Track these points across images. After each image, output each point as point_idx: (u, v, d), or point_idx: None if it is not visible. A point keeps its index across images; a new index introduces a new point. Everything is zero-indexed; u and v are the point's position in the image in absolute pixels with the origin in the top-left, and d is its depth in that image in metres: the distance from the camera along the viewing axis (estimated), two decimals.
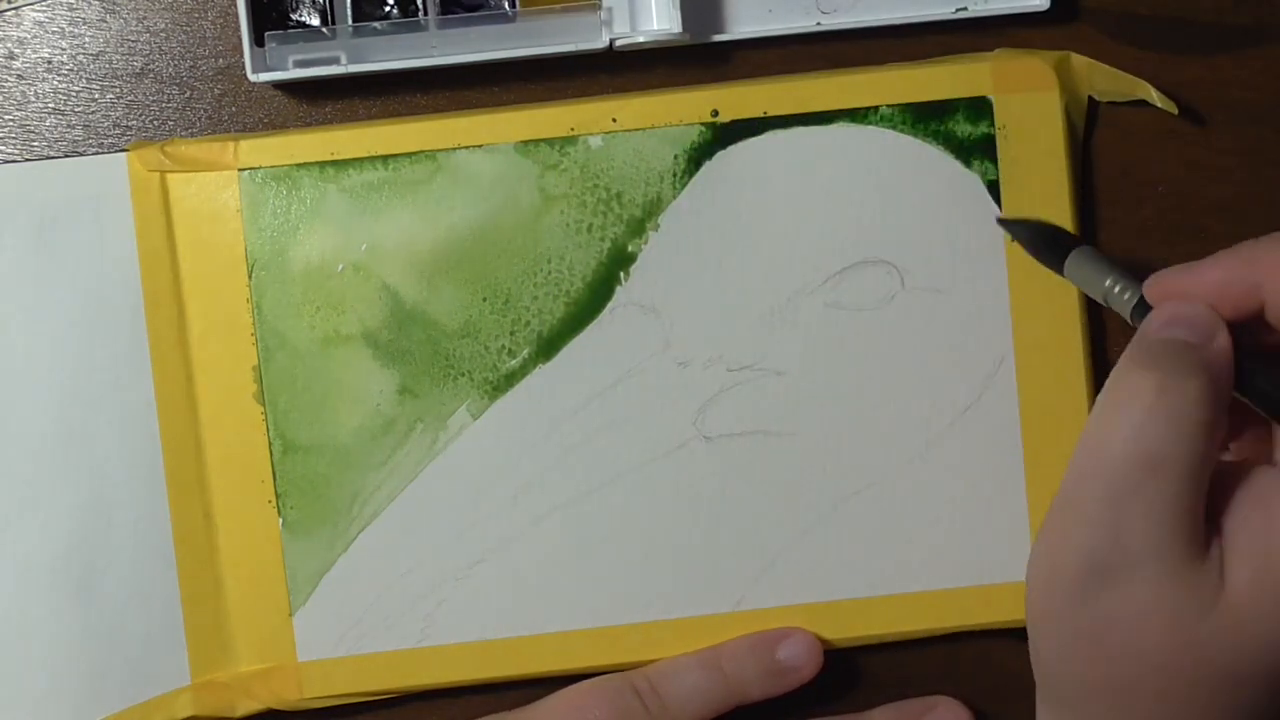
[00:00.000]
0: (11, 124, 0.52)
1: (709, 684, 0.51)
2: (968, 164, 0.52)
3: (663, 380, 0.52)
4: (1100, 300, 0.46)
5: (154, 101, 0.53)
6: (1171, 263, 0.53)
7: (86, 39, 0.53)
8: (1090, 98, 0.53)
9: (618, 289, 0.52)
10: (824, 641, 0.52)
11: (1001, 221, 0.51)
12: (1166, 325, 0.42)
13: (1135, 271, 0.45)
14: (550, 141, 0.52)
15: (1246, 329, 0.42)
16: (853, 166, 0.52)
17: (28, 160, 0.52)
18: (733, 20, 0.52)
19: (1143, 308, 0.44)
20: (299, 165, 0.51)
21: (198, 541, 0.52)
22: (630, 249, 0.52)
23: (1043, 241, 0.49)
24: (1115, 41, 0.53)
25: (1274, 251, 0.41)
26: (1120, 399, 0.40)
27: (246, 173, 0.51)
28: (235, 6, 0.51)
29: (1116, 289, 0.45)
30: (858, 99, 0.52)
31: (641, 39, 0.51)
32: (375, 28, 0.51)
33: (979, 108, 0.52)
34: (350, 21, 0.51)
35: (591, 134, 0.51)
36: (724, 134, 0.52)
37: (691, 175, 0.52)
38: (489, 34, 0.51)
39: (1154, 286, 0.43)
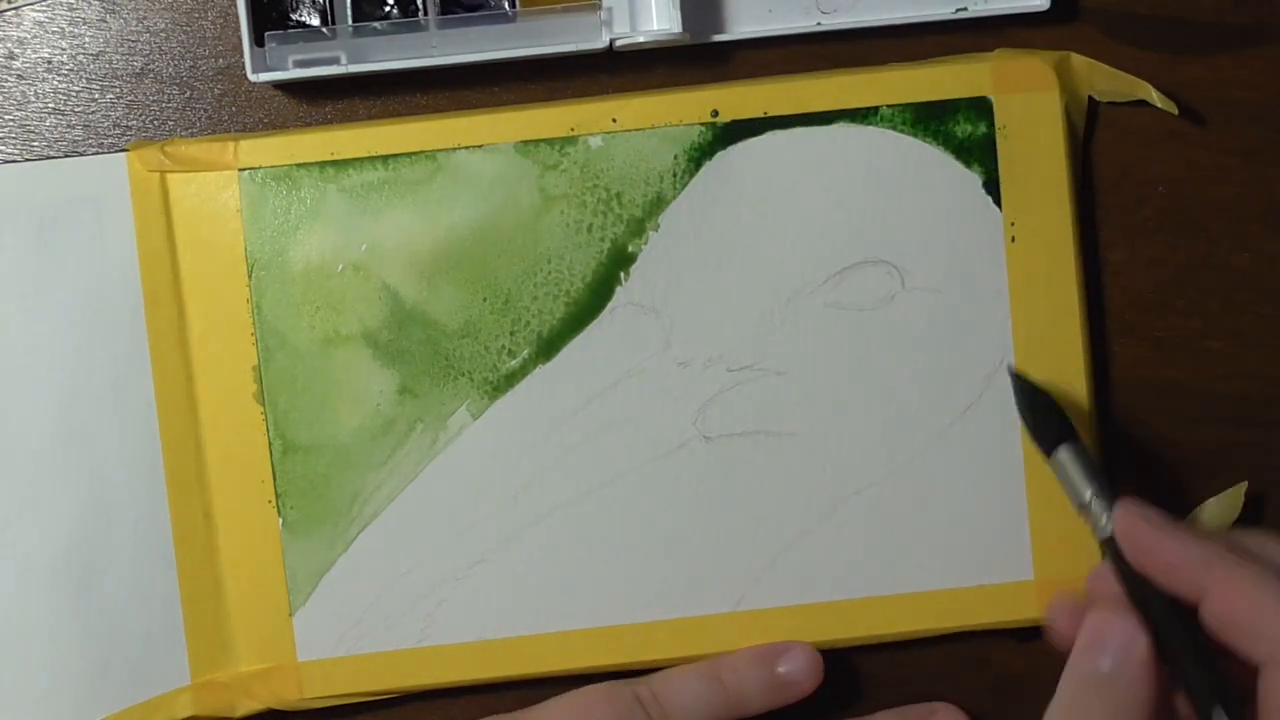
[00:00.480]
0: (11, 124, 0.52)
1: (710, 695, 0.51)
2: (968, 164, 0.52)
3: (663, 380, 0.52)
4: (1072, 504, 0.47)
5: (154, 101, 0.53)
6: (1172, 265, 0.53)
7: (86, 39, 0.53)
8: (1090, 98, 0.53)
9: (618, 289, 0.52)
10: (824, 641, 0.52)
11: (1011, 373, 0.51)
12: (1089, 651, 0.44)
13: (1113, 488, 0.46)
14: (550, 141, 0.52)
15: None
16: (853, 166, 0.52)
17: (28, 160, 0.52)
18: (733, 20, 0.52)
19: (1113, 543, 0.45)
20: (299, 165, 0.51)
21: (198, 541, 0.52)
22: (630, 249, 0.52)
23: (1039, 416, 0.49)
24: (1115, 41, 0.53)
25: (1234, 574, 0.42)
26: None
27: (246, 173, 0.51)
28: (235, 6, 0.51)
29: (1092, 507, 0.46)
30: (858, 99, 0.52)
31: (641, 39, 0.51)
32: (375, 28, 0.51)
33: (979, 108, 0.52)
34: (350, 21, 0.51)
35: (591, 134, 0.51)
36: (724, 134, 0.52)
37: (691, 175, 0.52)
38: (489, 34, 0.51)
39: (1124, 532, 0.45)
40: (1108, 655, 0.44)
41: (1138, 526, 0.44)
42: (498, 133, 0.51)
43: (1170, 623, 0.43)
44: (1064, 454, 0.47)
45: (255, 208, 0.51)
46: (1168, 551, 0.43)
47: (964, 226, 0.52)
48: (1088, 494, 0.47)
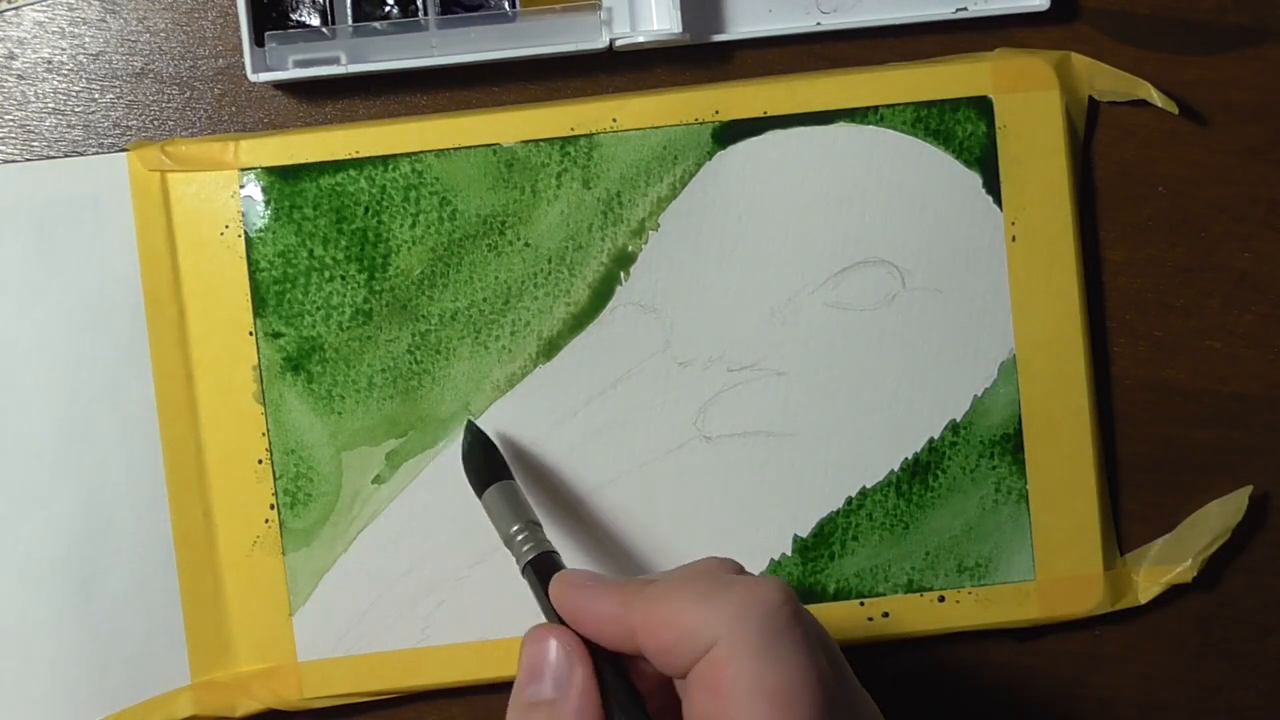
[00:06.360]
0: (11, 124, 0.52)
1: None
2: (968, 164, 0.52)
3: (663, 380, 0.52)
4: (502, 539, 0.47)
5: (154, 101, 0.53)
6: (1172, 265, 0.53)
7: (86, 39, 0.53)
8: (1090, 98, 0.53)
9: (618, 289, 0.52)
10: None
11: (468, 423, 0.51)
12: (530, 679, 0.42)
13: (541, 531, 0.46)
14: (550, 141, 0.52)
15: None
16: (853, 166, 0.52)
17: (28, 160, 0.52)
18: (733, 20, 0.52)
19: (531, 571, 0.45)
20: (299, 165, 0.51)
21: (198, 541, 0.52)
22: (630, 249, 0.52)
23: (477, 460, 0.49)
24: (1115, 41, 0.53)
25: (648, 603, 0.40)
26: None
27: (246, 172, 0.51)
28: (235, 6, 0.51)
29: (517, 539, 0.46)
30: (858, 99, 0.52)
31: (641, 39, 0.51)
32: (375, 28, 0.51)
33: (979, 107, 0.52)
34: (350, 21, 0.51)
35: (591, 134, 0.51)
36: (724, 134, 0.52)
37: (692, 175, 0.52)
38: (489, 34, 0.51)
39: (555, 591, 0.43)
40: (545, 682, 0.41)
41: (563, 594, 0.42)
42: (498, 133, 0.51)
43: (601, 672, 0.41)
44: (494, 492, 0.48)
45: (255, 207, 0.51)
46: (593, 612, 0.41)
47: (964, 226, 0.52)
48: (514, 529, 0.46)
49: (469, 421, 0.51)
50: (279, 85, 0.53)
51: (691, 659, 0.39)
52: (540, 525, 0.47)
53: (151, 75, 0.53)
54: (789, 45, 0.53)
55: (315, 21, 0.51)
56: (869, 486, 0.52)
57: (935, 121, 0.52)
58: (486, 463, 0.49)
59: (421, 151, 0.51)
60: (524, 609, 0.52)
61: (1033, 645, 0.54)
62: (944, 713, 0.54)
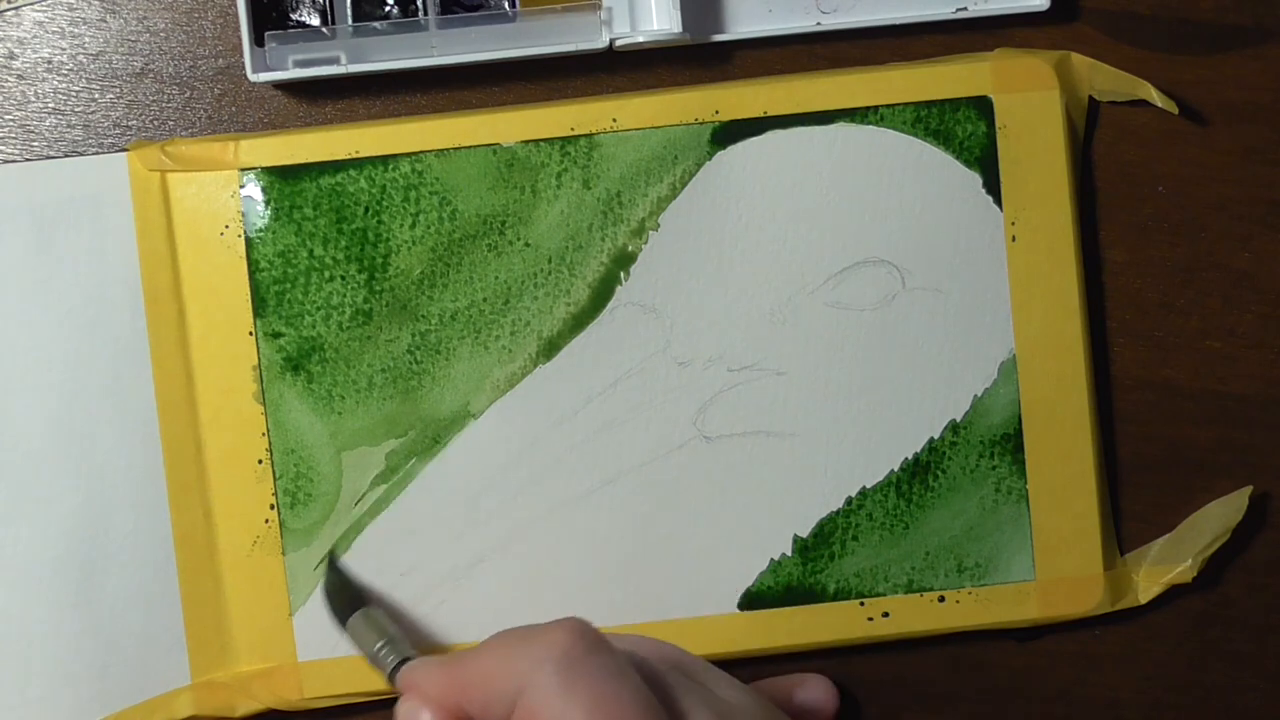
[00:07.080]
0: (11, 124, 0.52)
1: None
2: (968, 164, 0.52)
3: (663, 380, 0.52)
4: (369, 660, 0.48)
5: (154, 101, 0.53)
6: (1172, 265, 0.53)
7: (86, 39, 0.53)
8: (1090, 98, 0.53)
9: (618, 289, 0.52)
10: (825, 642, 0.52)
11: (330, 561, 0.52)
12: None
13: (403, 643, 0.48)
14: (550, 141, 0.52)
15: None
16: (853, 166, 0.52)
17: (28, 160, 0.52)
18: (733, 20, 0.52)
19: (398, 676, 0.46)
20: (299, 165, 0.51)
21: (198, 541, 0.52)
22: (630, 249, 0.52)
23: (337, 596, 0.50)
24: (1115, 41, 0.53)
25: (464, 669, 0.42)
26: None
27: (246, 172, 0.51)
28: (235, 6, 0.51)
29: (381, 654, 0.48)
30: (858, 99, 0.52)
31: (641, 39, 0.51)
32: (375, 28, 0.51)
33: (979, 107, 0.52)
34: (350, 21, 0.51)
35: (591, 134, 0.51)
36: (724, 134, 0.52)
37: (691, 175, 0.52)
38: (489, 34, 0.51)
39: (399, 679, 0.45)
40: None
41: (402, 678, 0.44)
42: (498, 133, 0.51)
43: None
44: (358, 618, 0.49)
45: (255, 207, 0.51)
46: (425, 689, 0.43)
47: (964, 226, 0.52)
48: (377, 645, 0.48)
49: (330, 559, 0.51)
50: (279, 85, 0.53)
51: (508, 710, 0.40)
52: (403, 639, 0.48)
53: (151, 75, 0.53)
54: (789, 45, 0.53)
55: (315, 21, 0.51)
56: (869, 486, 0.52)
57: (935, 121, 0.52)
58: (346, 596, 0.50)
59: (421, 151, 0.51)
60: (524, 610, 0.52)
61: (1033, 645, 0.54)
62: (944, 713, 0.54)
